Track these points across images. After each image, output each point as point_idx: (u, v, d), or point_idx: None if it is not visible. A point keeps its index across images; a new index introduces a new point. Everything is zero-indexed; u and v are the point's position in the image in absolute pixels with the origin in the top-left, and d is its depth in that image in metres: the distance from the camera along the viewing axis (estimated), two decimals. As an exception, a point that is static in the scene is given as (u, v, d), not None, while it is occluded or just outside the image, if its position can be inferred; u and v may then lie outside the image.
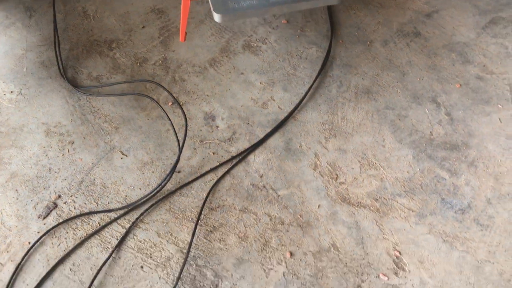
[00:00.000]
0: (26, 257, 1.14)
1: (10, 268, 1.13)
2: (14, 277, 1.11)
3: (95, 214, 1.22)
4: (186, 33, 1.37)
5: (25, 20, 1.68)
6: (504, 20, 1.62)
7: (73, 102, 1.44)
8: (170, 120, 1.37)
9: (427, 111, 1.39)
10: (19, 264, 1.13)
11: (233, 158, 1.31)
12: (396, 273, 1.08)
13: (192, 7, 1.70)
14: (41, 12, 1.70)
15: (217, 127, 1.39)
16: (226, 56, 1.56)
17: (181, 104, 1.43)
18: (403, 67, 1.51)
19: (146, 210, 1.22)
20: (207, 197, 1.23)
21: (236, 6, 1.04)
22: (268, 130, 1.37)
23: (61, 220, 1.20)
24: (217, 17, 1.04)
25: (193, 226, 1.18)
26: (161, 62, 1.54)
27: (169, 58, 1.55)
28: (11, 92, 1.47)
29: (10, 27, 1.66)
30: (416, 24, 1.62)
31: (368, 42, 1.57)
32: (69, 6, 1.71)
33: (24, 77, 1.51)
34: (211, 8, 1.04)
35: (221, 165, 1.30)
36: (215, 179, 1.27)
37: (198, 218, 1.19)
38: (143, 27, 1.64)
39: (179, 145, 1.31)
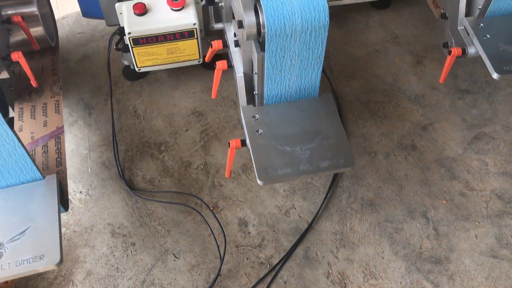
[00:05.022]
0: None
1: None
2: None
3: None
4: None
5: (86, 118, 2.00)
6: (486, 136, 1.95)
7: (131, 204, 1.78)
8: (210, 227, 1.71)
9: (418, 225, 1.73)
10: None
11: (266, 275, 1.64)
12: None
13: (227, 111, 2.02)
14: (99, 110, 2.02)
15: (249, 233, 1.73)
16: (256, 165, 1.88)
17: (220, 209, 1.77)
18: (401, 180, 1.85)
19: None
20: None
21: (275, 174, 1.37)
22: (291, 238, 1.71)
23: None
24: (261, 183, 1.37)
25: (233, 325, 1.53)
26: (202, 166, 1.87)
27: (208, 163, 1.88)
28: (80, 192, 1.80)
29: (74, 125, 1.98)
30: (413, 137, 1.95)
31: (373, 154, 1.90)
32: (121, 105, 2.03)
33: (89, 177, 1.84)
34: (256, 176, 1.36)
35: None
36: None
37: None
38: (186, 130, 1.96)
39: (219, 253, 1.65)
